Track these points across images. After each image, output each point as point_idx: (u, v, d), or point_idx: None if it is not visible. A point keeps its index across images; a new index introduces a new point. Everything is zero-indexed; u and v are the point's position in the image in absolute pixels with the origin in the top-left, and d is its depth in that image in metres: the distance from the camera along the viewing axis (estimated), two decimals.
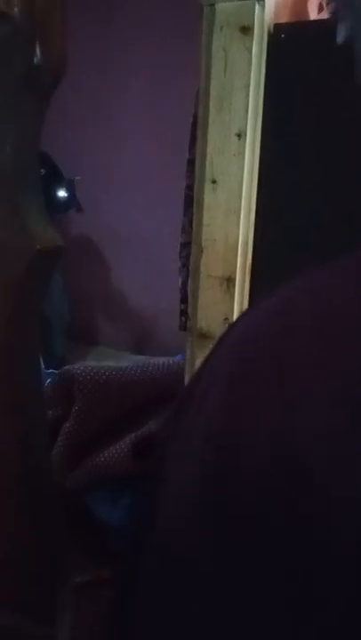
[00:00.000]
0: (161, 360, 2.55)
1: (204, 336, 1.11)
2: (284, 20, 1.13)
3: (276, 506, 0.25)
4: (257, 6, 1.02)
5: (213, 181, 1.04)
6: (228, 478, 0.28)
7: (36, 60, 0.30)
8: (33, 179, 0.31)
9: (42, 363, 3.41)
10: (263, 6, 1.03)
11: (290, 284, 0.32)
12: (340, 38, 0.33)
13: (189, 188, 1.30)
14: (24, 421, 0.32)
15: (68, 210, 3.31)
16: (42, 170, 3.16)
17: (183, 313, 1.30)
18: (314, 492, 0.25)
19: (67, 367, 2.59)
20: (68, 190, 3.27)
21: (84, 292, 3.90)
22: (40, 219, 0.31)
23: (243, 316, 0.34)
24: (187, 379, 1.14)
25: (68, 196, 3.27)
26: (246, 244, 1.07)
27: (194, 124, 1.22)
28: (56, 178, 3.25)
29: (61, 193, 3.27)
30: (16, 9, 0.29)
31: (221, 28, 1.02)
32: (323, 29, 1.11)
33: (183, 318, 1.30)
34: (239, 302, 1.09)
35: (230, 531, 0.27)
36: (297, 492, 0.25)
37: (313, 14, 1.29)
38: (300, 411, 0.26)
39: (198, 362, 1.11)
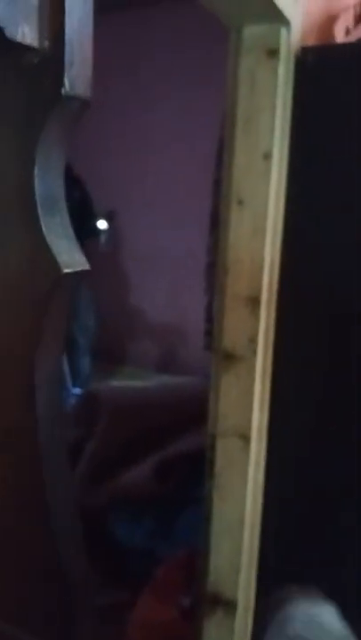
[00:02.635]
0: (184, 380, 2.53)
1: (229, 356, 1.10)
2: (310, 42, 1.14)
3: None
4: (283, 30, 1.03)
5: (240, 202, 1.04)
6: None
7: (64, 90, 0.30)
8: (58, 204, 0.32)
9: (67, 382, 3.42)
10: (290, 30, 1.04)
11: None
12: None
13: (216, 208, 1.31)
14: (44, 438, 0.33)
15: (98, 236, 3.34)
16: (76, 192, 3.20)
17: (208, 333, 1.29)
18: None
19: (90, 387, 2.59)
20: (109, 221, 3.29)
21: (110, 312, 3.92)
22: (66, 244, 0.31)
23: None
24: (212, 400, 1.13)
25: (109, 229, 3.30)
26: (272, 264, 1.06)
27: (220, 146, 1.23)
28: (87, 202, 3.29)
29: (102, 225, 3.28)
30: (47, 42, 0.30)
31: (248, 51, 1.03)
32: (349, 52, 1.11)
33: (208, 338, 1.29)
34: (265, 323, 1.07)
35: None
36: None
37: (340, 37, 1.29)
38: None
39: (223, 382, 1.10)
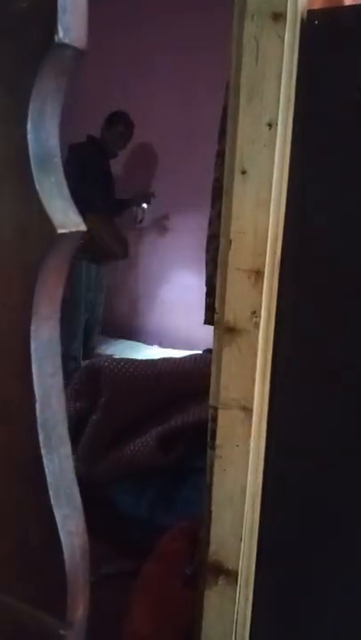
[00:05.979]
0: (187, 354, 2.54)
1: (231, 330, 1.09)
2: (317, 6, 1.10)
3: None
4: None
5: (243, 172, 1.02)
6: None
7: (57, 38, 0.28)
8: (53, 162, 0.30)
9: (78, 356, 3.47)
10: None
11: None
12: None
13: (218, 179, 1.28)
14: (41, 410, 0.32)
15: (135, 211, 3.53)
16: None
17: (210, 307, 1.28)
18: None
19: (94, 359, 2.59)
20: (147, 203, 3.45)
21: (114, 286, 3.91)
22: (61, 203, 0.30)
23: None
24: (213, 373, 1.13)
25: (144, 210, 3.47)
26: (276, 236, 1.05)
27: (223, 116, 1.20)
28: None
29: (144, 205, 3.46)
30: None
31: (253, 15, 1.00)
32: (358, 15, 1.07)
33: (209, 312, 1.28)
34: (267, 296, 1.07)
35: None
36: None
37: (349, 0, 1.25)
38: None
39: (225, 355, 1.09)
